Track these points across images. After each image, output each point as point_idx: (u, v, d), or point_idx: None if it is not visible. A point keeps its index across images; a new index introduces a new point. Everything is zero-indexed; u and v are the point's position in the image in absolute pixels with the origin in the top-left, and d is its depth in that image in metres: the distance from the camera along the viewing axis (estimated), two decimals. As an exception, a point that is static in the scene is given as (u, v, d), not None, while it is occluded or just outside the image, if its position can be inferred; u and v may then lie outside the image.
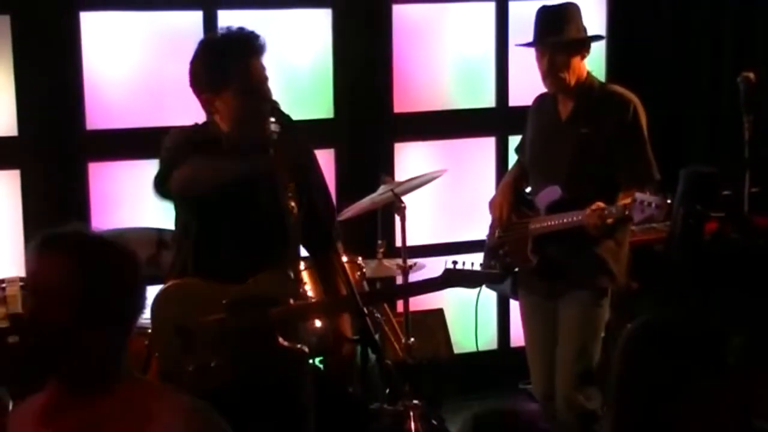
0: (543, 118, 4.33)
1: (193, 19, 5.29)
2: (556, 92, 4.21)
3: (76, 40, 5.11)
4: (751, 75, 4.79)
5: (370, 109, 5.67)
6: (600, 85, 4.25)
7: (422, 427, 4.62)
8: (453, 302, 5.55)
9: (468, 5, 5.84)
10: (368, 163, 5.54)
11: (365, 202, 4.79)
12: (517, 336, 5.27)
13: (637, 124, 4.12)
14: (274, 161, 3.26)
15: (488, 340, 5.88)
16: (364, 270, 4.60)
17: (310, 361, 3.71)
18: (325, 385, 3.85)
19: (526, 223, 4.26)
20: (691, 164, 5.01)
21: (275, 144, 3.29)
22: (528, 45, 4.20)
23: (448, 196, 5.80)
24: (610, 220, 3.93)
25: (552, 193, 4.16)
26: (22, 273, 4.86)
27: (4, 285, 4.56)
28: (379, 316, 4.85)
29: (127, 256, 2.18)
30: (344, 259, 3.64)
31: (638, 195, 3.80)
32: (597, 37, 4.29)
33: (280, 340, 3.29)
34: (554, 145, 4.23)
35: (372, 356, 3.29)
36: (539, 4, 4.27)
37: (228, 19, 4.97)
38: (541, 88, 4.28)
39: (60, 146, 5.13)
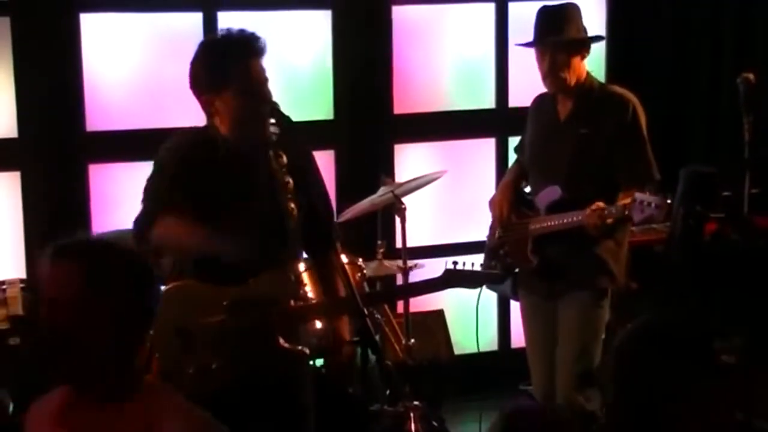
0: (542, 119, 4.33)
1: (193, 20, 5.29)
2: (556, 92, 4.21)
3: (76, 42, 5.12)
4: (751, 76, 4.79)
5: (370, 110, 5.67)
6: (600, 86, 4.25)
7: (422, 428, 4.61)
8: (453, 303, 5.55)
9: (468, 6, 5.84)
10: (368, 164, 5.54)
11: (365, 203, 4.79)
12: (518, 337, 5.26)
13: (636, 124, 4.12)
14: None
15: (488, 341, 5.88)
16: (365, 271, 4.59)
17: (311, 362, 3.71)
18: (325, 385, 3.85)
19: (526, 224, 4.26)
20: (690, 164, 5.01)
21: (275, 145, 3.30)
22: (528, 45, 4.20)
23: (448, 197, 5.80)
24: (610, 220, 3.93)
25: (552, 193, 4.16)
26: (23, 275, 4.88)
27: (4, 287, 4.55)
28: (379, 317, 4.84)
29: (141, 263, 2.22)
30: (344, 260, 3.64)
31: (638, 195, 3.80)
32: (597, 38, 4.29)
33: (281, 341, 3.30)
34: (554, 145, 4.23)
35: (372, 357, 3.28)
36: (539, 5, 4.27)
37: (228, 20, 4.99)
38: (541, 89, 4.29)
39: (60, 148, 5.13)
